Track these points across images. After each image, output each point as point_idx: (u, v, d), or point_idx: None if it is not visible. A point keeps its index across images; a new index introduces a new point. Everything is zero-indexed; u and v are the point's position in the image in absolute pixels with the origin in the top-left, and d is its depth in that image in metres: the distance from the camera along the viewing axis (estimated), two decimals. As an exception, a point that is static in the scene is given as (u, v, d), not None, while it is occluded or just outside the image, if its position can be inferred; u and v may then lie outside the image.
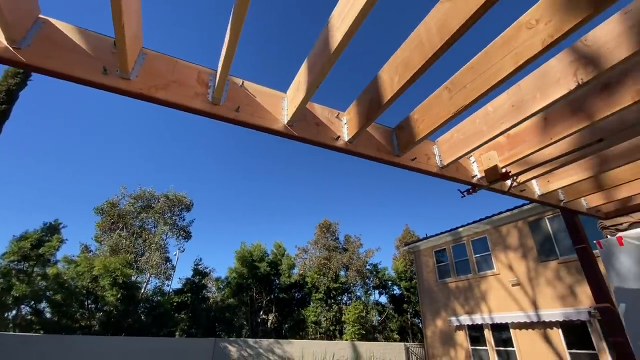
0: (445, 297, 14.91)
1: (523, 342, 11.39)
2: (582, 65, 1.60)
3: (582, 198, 3.33)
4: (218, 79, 1.69)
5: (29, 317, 17.57)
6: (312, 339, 22.88)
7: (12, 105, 14.25)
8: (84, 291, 17.48)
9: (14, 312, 17.50)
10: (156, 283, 23.46)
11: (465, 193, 2.69)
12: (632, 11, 1.42)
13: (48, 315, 17.83)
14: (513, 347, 11.61)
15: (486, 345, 12.55)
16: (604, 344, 9.31)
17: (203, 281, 24.04)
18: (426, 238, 16.63)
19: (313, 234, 29.17)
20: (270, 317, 25.15)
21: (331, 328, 23.58)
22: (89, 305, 18.17)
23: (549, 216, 11.66)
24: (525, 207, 11.97)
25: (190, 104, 1.73)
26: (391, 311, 25.67)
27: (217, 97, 1.76)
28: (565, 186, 2.86)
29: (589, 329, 9.77)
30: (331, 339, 22.00)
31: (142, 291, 20.71)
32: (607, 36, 1.51)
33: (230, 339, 17.99)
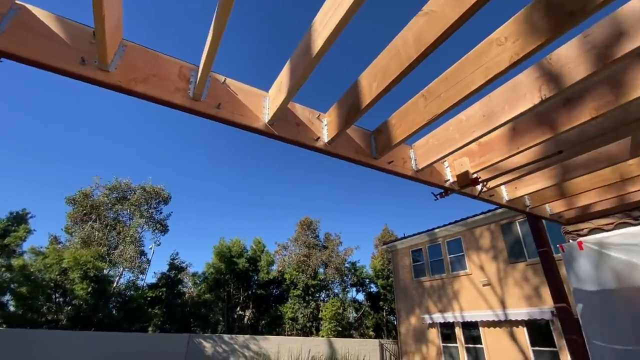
0: (419, 296, 15.33)
1: (491, 339, 11.91)
2: (546, 82, 1.72)
3: (547, 204, 3.53)
4: (200, 74, 1.69)
5: (-10, 310, 16.69)
6: (288, 335, 22.95)
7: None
8: (52, 284, 16.74)
9: (-27, 304, 16.58)
10: (130, 277, 22.82)
11: (438, 196, 2.80)
12: (590, 35, 1.54)
13: (12, 308, 16.99)
14: (481, 344, 12.12)
15: (456, 343, 13.03)
16: (564, 342, 9.89)
17: (179, 276, 23.59)
18: (404, 238, 17.02)
19: (294, 231, 29.21)
20: (247, 313, 25.03)
21: (308, 325, 23.73)
22: (57, 299, 17.44)
23: (519, 220, 12.22)
24: (498, 211, 12.48)
25: (170, 99, 1.73)
26: (367, 308, 26.13)
27: (198, 93, 1.76)
28: (531, 193, 3.04)
29: (552, 328, 10.34)
30: (308, 336, 22.14)
31: (114, 285, 20.09)
32: (569, 56, 1.63)
33: (205, 334, 17.77)
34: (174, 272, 22.96)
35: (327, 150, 2.12)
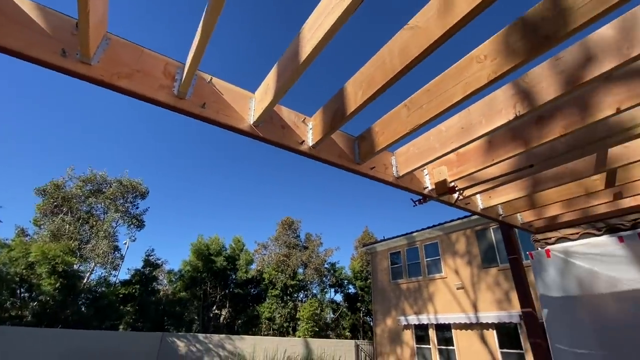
0: (396, 298, 15.60)
1: (462, 341, 12.29)
2: (520, 100, 1.82)
3: (518, 214, 3.70)
4: (186, 72, 1.68)
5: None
6: (265, 335, 22.80)
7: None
8: (17, 278, 15.91)
9: None
10: (102, 273, 22.01)
11: (417, 202, 2.89)
12: (562, 59, 1.65)
13: (-29, 303, 16.02)
14: (453, 346, 12.48)
15: (430, 344, 13.35)
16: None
17: (154, 273, 22.97)
18: (383, 240, 17.28)
19: (274, 230, 29.04)
20: (224, 312, 24.67)
21: (285, 325, 23.66)
22: (22, 294, 16.59)
23: (493, 227, 12.69)
24: (474, 217, 12.90)
25: (154, 96, 1.70)
26: (345, 309, 26.33)
27: (183, 91, 1.75)
28: (504, 202, 3.18)
29: (519, 331, 10.79)
30: (284, 336, 22.07)
31: (84, 281, 19.30)
32: (542, 77, 1.73)
33: (179, 333, 17.39)
34: (148, 269, 22.33)
35: (311, 153, 2.15)
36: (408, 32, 1.50)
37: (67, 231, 20.31)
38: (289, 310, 23.99)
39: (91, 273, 20.91)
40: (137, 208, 24.65)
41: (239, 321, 25.01)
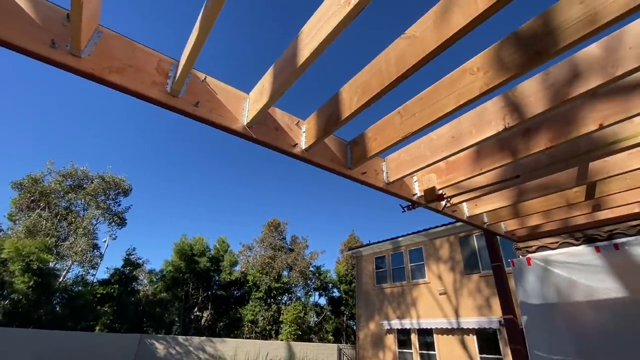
0: (380, 302, 15.69)
1: (443, 346, 12.45)
2: (510, 112, 1.87)
3: (502, 222, 3.79)
4: (180, 70, 1.65)
5: None
6: (247, 338, 22.50)
7: None
8: (-13, 275, 15.21)
9: None
10: (79, 271, 21.26)
11: (405, 208, 2.92)
12: (550, 74, 1.71)
13: None
14: (435, 351, 12.63)
15: (412, 349, 13.48)
16: (509, 350, 10.57)
17: (134, 273, 22.34)
18: (369, 244, 17.38)
19: (260, 232, 28.79)
20: (205, 314, 24.23)
21: (268, 328, 23.42)
22: (-8, 292, 15.84)
23: (476, 234, 12.96)
24: (458, 224, 13.14)
25: (146, 92, 1.66)
26: (329, 313, 26.30)
27: (176, 89, 1.72)
28: (489, 211, 3.25)
29: (498, 337, 11.02)
30: (267, 339, 21.84)
31: (60, 280, 18.60)
32: (531, 91, 1.78)
33: (158, 335, 16.97)
34: (129, 268, 21.71)
35: (303, 157, 2.14)
36: (405, 41, 1.53)
37: (43, 227, 19.56)
38: (272, 313, 23.78)
39: (68, 271, 20.19)
40: (119, 205, 24.01)
41: (221, 323, 24.61)
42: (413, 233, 15.16)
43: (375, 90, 1.64)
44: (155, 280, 25.28)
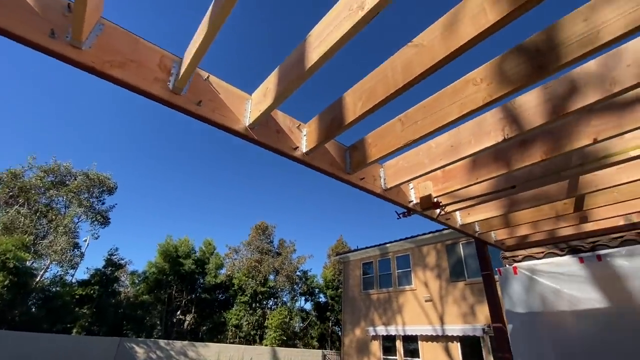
0: (366, 308, 15.69)
1: (428, 353, 12.52)
2: (509, 123, 1.90)
3: (492, 231, 3.86)
4: (185, 68, 1.62)
5: None
6: (231, 342, 22.09)
7: None
8: (-42, 273, 14.48)
9: None
10: (57, 271, 20.52)
11: (401, 215, 2.93)
12: (549, 88, 1.75)
13: None
14: (419, 357, 12.68)
15: (396, 355, 13.49)
16: (492, 358, 10.72)
17: (116, 274, 21.73)
18: (357, 250, 17.40)
19: (248, 235, 28.48)
20: (189, 317, 23.71)
21: (252, 332, 23.08)
22: (-38, 291, 15.09)
23: (462, 242, 13.15)
24: (445, 231, 13.30)
25: (147, 89, 1.63)
26: (314, 318, 26.12)
27: (178, 86, 1.68)
28: (481, 220, 3.30)
29: (481, 344, 11.15)
30: (251, 344, 21.50)
31: (37, 279, 17.90)
32: (530, 104, 1.82)
33: (139, 339, 16.48)
34: (110, 269, 21.10)
35: (304, 160, 2.13)
36: (412, 50, 1.54)
37: (21, 224, 18.83)
38: (257, 317, 23.45)
39: (45, 271, 19.45)
40: (103, 204, 23.38)
41: (204, 327, 24.11)
42: (401, 239, 15.26)
43: (381, 96, 1.65)
44: (137, 281, 24.60)
